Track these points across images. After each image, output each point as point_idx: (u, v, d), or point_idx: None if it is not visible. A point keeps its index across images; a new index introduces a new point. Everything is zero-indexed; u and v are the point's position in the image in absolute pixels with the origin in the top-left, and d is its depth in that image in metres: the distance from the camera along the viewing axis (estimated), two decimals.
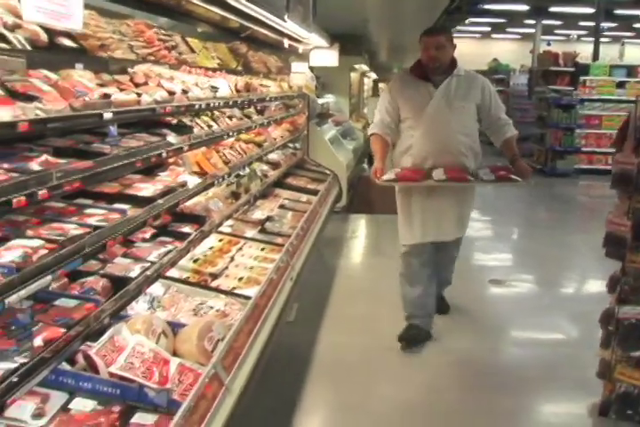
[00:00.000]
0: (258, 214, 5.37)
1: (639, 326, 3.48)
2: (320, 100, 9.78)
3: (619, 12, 20.13)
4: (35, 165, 2.30)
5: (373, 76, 21.58)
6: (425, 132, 4.58)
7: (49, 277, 2.14)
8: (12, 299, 1.96)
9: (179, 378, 2.54)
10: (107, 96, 2.73)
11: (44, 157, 2.39)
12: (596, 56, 16.40)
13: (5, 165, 2.21)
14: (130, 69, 3.73)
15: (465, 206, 4.86)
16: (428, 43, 4.53)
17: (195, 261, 3.92)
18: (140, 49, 4.19)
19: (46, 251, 2.16)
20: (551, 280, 6.80)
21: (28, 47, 2.87)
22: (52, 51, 3.04)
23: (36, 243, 2.21)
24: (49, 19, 1.96)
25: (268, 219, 5.22)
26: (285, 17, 3.97)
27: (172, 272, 3.55)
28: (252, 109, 5.76)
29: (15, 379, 1.96)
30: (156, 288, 3.34)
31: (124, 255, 3.12)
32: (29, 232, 2.34)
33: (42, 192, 2.20)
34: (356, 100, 16.13)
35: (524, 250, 8.19)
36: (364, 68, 15.73)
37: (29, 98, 2.25)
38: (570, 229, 9.29)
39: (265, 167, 5.97)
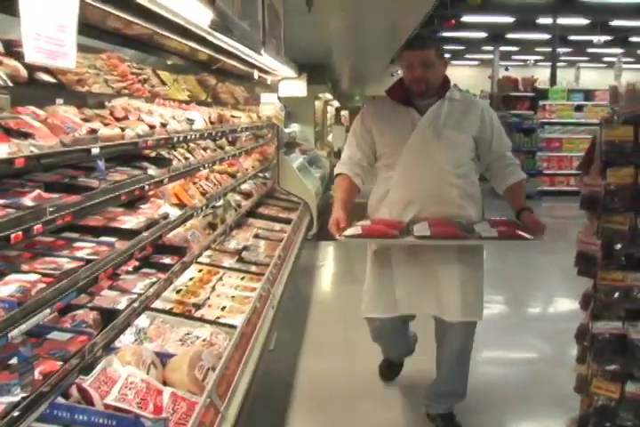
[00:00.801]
0: (233, 244, 5.42)
1: (613, 340, 3.57)
2: (286, 130, 9.90)
3: (573, 37, 20.70)
4: (28, 201, 2.34)
5: (336, 104, 21.85)
6: (406, 173, 3.56)
7: (47, 311, 2.18)
8: (14, 333, 1.99)
9: (173, 407, 2.58)
10: (93, 131, 2.79)
11: (37, 192, 2.43)
12: (553, 81, 16.84)
13: (0, 201, 2.25)
14: (107, 103, 3.79)
15: (470, 273, 3.66)
16: (413, 59, 3.45)
17: (177, 291, 3.96)
18: (114, 83, 4.25)
19: (44, 285, 2.20)
20: (520, 300, 6.92)
21: (10, 83, 2.92)
22: (33, 86, 3.10)
23: (33, 277, 2.25)
24: (47, 58, 2.02)
25: (245, 248, 5.28)
26: (262, 51, 4.06)
27: (156, 303, 3.58)
28: (224, 140, 5.84)
29: (17, 413, 1.99)
30: (142, 320, 3.37)
31: (110, 288, 3.16)
32: (24, 266, 2.37)
33: (37, 227, 2.24)
34: (321, 128, 16.31)
35: (493, 271, 8.28)
36: (328, 96, 15.93)
37: (23, 134, 2.29)
38: (536, 249, 9.34)
39: (238, 197, 6.04)
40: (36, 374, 2.17)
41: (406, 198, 3.56)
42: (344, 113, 24.10)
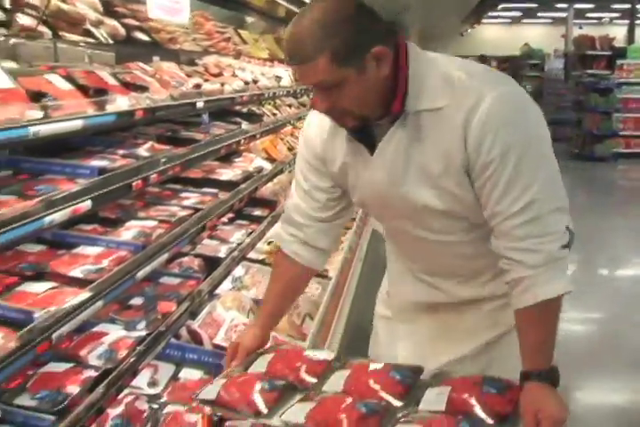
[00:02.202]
0: None
1: None
2: None
3: None
4: (143, 151, 2.47)
5: None
6: (394, 241, 2.05)
7: (165, 255, 2.31)
8: (140, 274, 2.13)
9: None
10: (198, 86, 2.90)
11: (150, 143, 2.55)
12: (631, 39, 16.34)
13: (120, 151, 2.38)
14: (197, 61, 3.91)
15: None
16: (301, 78, 1.62)
17: (268, 243, 4.08)
18: (202, 41, 4.38)
19: (162, 230, 2.34)
20: (594, 262, 6.87)
21: (110, 41, 3.06)
22: (131, 44, 3.23)
23: (151, 223, 2.39)
24: (166, 15, 2.13)
25: None
26: None
27: (250, 254, 3.71)
28: (305, 98, 5.91)
29: (143, 348, 2.14)
30: (238, 269, 3.51)
31: (210, 237, 3.29)
32: (140, 214, 2.52)
33: (153, 176, 2.37)
34: None
35: None
36: None
37: (139, 88, 2.41)
38: (610, 212, 9.32)
39: None
40: (159, 314, 2.31)
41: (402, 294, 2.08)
42: None
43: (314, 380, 1.78)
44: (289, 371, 1.81)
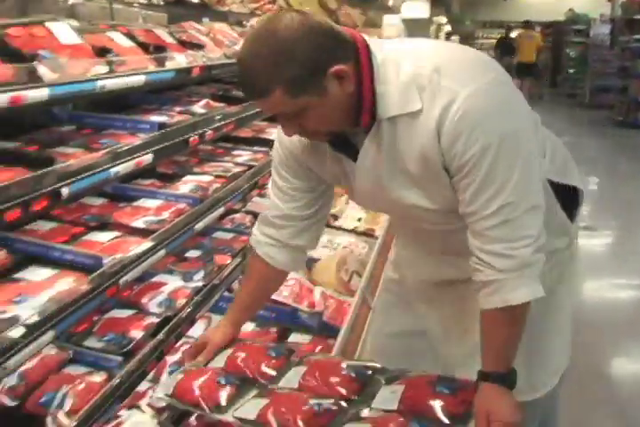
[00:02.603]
0: None
1: None
2: None
3: None
4: (198, 108, 2.53)
5: (447, 28, 21.39)
6: (401, 230, 2.13)
7: (221, 209, 2.38)
8: (198, 226, 2.21)
9: (324, 304, 2.78)
10: None
11: (205, 100, 2.61)
12: None
13: (177, 108, 2.45)
14: (245, 22, 3.95)
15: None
16: (262, 109, 1.54)
17: None
18: (249, 3, 4.42)
19: (218, 185, 2.41)
20: (635, 229, 6.80)
21: (162, 3, 3.11)
22: (181, 6, 3.29)
23: (207, 178, 2.46)
24: None
25: None
26: None
27: None
28: None
29: (200, 298, 2.23)
30: None
31: (260, 195, 3.36)
32: (196, 169, 2.58)
33: (208, 133, 2.43)
34: None
35: (610, 198, 8.16)
36: (441, 20, 15.65)
37: (195, 46, 2.47)
38: None
39: None
40: (215, 266, 2.39)
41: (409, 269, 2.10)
42: (454, 38, 23.65)
43: (273, 373, 1.76)
44: (248, 365, 1.78)
